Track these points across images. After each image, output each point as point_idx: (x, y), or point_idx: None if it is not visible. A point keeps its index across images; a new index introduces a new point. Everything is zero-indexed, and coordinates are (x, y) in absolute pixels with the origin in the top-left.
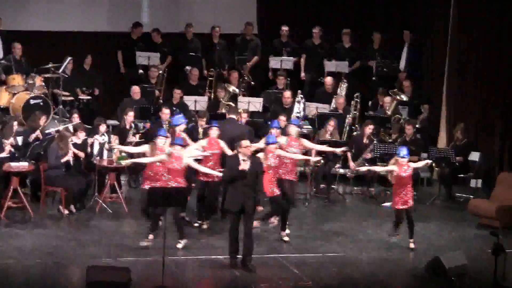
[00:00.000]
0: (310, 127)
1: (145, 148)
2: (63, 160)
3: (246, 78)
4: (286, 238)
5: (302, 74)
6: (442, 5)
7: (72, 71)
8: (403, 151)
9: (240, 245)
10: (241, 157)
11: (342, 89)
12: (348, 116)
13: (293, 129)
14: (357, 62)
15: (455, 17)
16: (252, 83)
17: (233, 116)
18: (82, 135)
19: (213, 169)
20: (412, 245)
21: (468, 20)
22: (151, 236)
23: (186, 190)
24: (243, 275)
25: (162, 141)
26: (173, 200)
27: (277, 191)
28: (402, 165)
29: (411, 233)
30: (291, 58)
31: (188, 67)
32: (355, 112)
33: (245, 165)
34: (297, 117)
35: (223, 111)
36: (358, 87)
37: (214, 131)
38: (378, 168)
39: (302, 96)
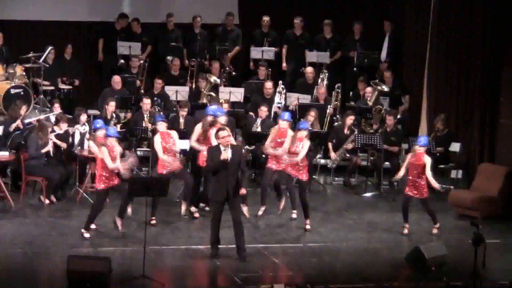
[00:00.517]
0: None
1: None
2: (43, 150)
3: (227, 68)
4: (308, 227)
5: (284, 64)
6: None
7: (53, 60)
8: (423, 140)
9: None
10: (221, 147)
11: (323, 80)
12: (329, 106)
13: (303, 133)
14: (338, 52)
15: (435, 7)
16: (234, 73)
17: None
18: (64, 126)
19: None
20: (435, 231)
21: (449, 9)
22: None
23: (166, 179)
24: (223, 265)
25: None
26: (154, 190)
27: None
28: (419, 153)
29: (434, 219)
30: (272, 48)
31: (169, 57)
32: (336, 102)
33: (225, 155)
34: (278, 107)
35: (204, 101)
36: (339, 77)
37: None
38: (402, 171)
39: (283, 86)
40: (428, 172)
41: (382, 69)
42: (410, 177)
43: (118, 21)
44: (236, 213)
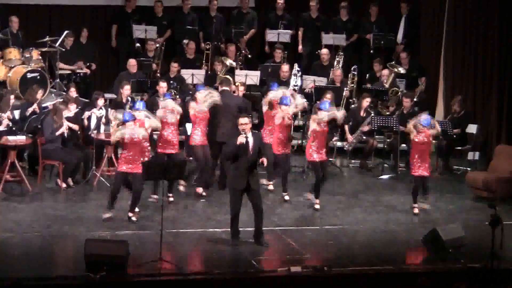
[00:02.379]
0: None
1: None
2: (58, 133)
3: (243, 51)
4: (317, 206)
5: (300, 47)
6: None
7: (69, 45)
8: (426, 119)
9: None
10: (241, 133)
11: (339, 62)
12: (345, 89)
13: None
14: (354, 35)
15: None
16: (249, 56)
17: (227, 88)
18: (73, 108)
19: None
20: (416, 211)
21: None
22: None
23: (183, 162)
24: (240, 248)
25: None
26: (171, 173)
27: (315, 158)
28: (422, 132)
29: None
30: (288, 31)
31: (185, 41)
32: (352, 85)
33: (241, 139)
34: (294, 90)
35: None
36: (355, 60)
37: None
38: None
39: (299, 69)
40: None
41: (398, 50)
42: (415, 156)
43: (127, 3)
44: (257, 201)
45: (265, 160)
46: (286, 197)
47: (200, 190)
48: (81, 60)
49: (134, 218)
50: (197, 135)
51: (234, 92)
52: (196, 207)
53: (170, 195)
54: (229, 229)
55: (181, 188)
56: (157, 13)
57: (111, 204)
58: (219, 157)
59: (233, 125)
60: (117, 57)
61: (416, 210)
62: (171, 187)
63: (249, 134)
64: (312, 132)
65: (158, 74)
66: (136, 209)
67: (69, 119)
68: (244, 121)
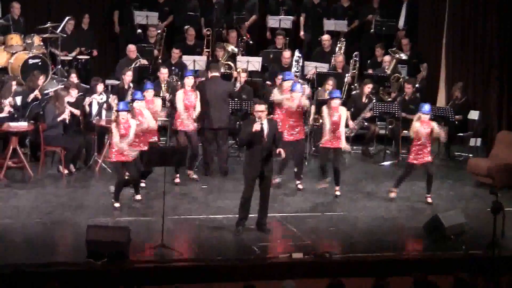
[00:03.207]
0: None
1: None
2: (59, 119)
3: (244, 37)
4: (338, 193)
5: (302, 33)
6: None
7: (71, 31)
8: (426, 107)
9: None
10: (257, 120)
11: (341, 48)
12: (347, 75)
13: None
14: (355, 21)
15: None
16: (251, 42)
17: (216, 74)
18: (74, 93)
19: None
20: (429, 200)
21: None
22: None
23: (183, 149)
24: (243, 235)
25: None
26: (171, 160)
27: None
28: (424, 121)
29: (429, 189)
30: (290, 17)
31: (186, 27)
32: (354, 71)
33: (257, 126)
34: (296, 75)
35: (222, 70)
36: (357, 46)
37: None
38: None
39: (300, 55)
40: (440, 132)
41: (400, 36)
42: (415, 144)
43: None
44: (266, 188)
45: (282, 152)
46: (300, 186)
47: (190, 173)
48: (82, 46)
49: (138, 197)
50: (184, 120)
51: (236, 78)
52: (197, 194)
53: (177, 175)
54: (229, 215)
55: (177, 180)
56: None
57: (117, 196)
58: (216, 142)
59: (224, 111)
60: (118, 44)
61: (392, 195)
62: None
63: (264, 121)
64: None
65: (160, 61)
66: (138, 197)
67: (70, 104)
68: (261, 108)
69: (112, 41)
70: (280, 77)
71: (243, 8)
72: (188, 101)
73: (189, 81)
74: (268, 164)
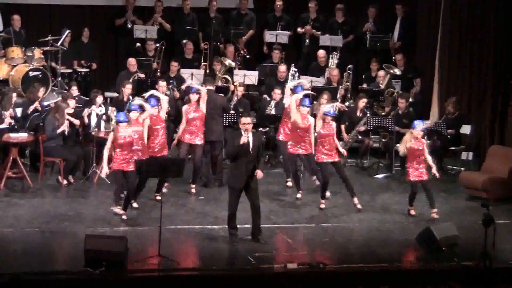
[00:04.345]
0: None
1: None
2: (59, 130)
3: (241, 51)
4: (323, 206)
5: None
6: None
7: (70, 43)
8: (419, 125)
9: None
10: (242, 132)
11: (333, 61)
12: (340, 87)
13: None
14: (350, 35)
15: None
16: (248, 56)
17: (211, 88)
18: (72, 103)
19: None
20: (435, 215)
21: None
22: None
23: (181, 161)
24: (238, 245)
25: (135, 115)
26: (170, 171)
27: (324, 159)
28: (417, 138)
29: (432, 203)
30: (287, 32)
31: (184, 41)
32: (347, 83)
33: (244, 139)
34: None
35: (219, 84)
36: (352, 61)
37: None
38: (401, 148)
39: (295, 70)
40: (427, 156)
41: (393, 48)
42: (411, 161)
43: (127, 3)
44: (255, 199)
45: (260, 173)
46: (298, 195)
47: (193, 187)
48: (82, 59)
49: (135, 205)
50: (187, 133)
51: (233, 92)
52: (194, 205)
53: (157, 194)
54: (225, 226)
55: (164, 190)
56: (158, 13)
57: (118, 200)
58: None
59: (219, 124)
60: (117, 57)
61: (413, 212)
62: (160, 187)
63: (250, 134)
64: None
65: (159, 74)
66: (135, 205)
67: (69, 114)
68: (247, 121)
69: (112, 54)
70: (276, 91)
71: (241, 23)
72: (192, 115)
73: (194, 97)
74: (253, 176)
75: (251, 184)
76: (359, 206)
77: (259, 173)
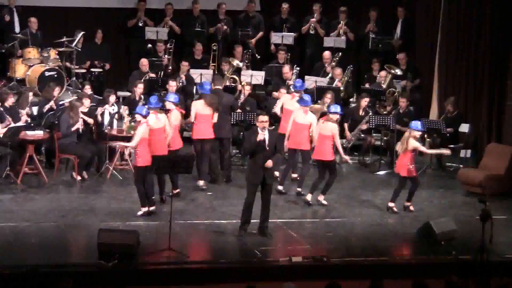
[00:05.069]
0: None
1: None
2: (73, 128)
3: (250, 51)
4: (324, 202)
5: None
6: None
7: (84, 45)
8: (418, 125)
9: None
10: (259, 130)
11: (336, 61)
12: (336, 80)
13: (334, 116)
14: (351, 35)
15: None
16: (258, 57)
17: (219, 87)
18: (87, 103)
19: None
20: (411, 208)
21: None
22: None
23: (190, 157)
24: (245, 239)
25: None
26: (179, 167)
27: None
28: (416, 137)
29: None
30: (292, 33)
31: (195, 42)
32: (345, 77)
33: (261, 136)
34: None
35: (227, 84)
36: (354, 61)
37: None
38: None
39: (298, 68)
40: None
41: (396, 46)
42: (405, 158)
43: (139, 5)
44: (268, 196)
45: (270, 162)
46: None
47: (200, 182)
48: (96, 60)
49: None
50: (199, 130)
51: (240, 91)
52: (202, 200)
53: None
54: (233, 221)
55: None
56: (168, 16)
57: (145, 201)
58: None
59: (227, 121)
60: (129, 57)
61: (394, 209)
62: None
63: (266, 132)
64: None
65: (170, 69)
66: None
67: (83, 113)
68: (264, 119)
69: (124, 54)
70: (282, 90)
71: (249, 24)
72: (203, 112)
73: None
74: (269, 172)
75: (267, 179)
76: (324, 201)
77: (268, 162)
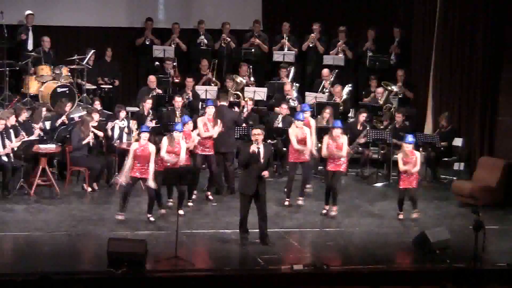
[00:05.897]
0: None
1: (164, 141)
2: (84, 142)
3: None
4: (333, 213)
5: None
6: (429, 2)
7: (94, 62)
8: (409, 138)
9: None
10: (253, 142)
11: (333, 77)
12: (328, 85)
13: (338, 131)
14: (350, 53)
15: (441, 16)
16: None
17: (224, 103)
18: (96, 117)
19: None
20: (415, 215)
21: (453, 18)
22: (163, 211)
23: (197, 170)
24: (248, 248)
25: (178, 136)
26: (186, 179)
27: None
28: (407, 150)
29: (414, 206)
30: (293, 52)
31: (201, 60)
32: (344, 95)
33: (254, 148)
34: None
35: (231, 99)
36: (352, 79)
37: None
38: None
39: (297, 85)
40: (418, 166)
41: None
42: (402, 171)
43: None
44: (263, 206)
45: (266, 173)
46: (300, 202)
47: (208, 193)
48: (106, 77)
49: (152, 219)
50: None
51: (243, 106)
52: (208, 210)
53: (189, 201)
54: (237, 230)
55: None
56: (175, 34)
57: (123, 207)
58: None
59: (231, 136)
60: (137, 74)
61: (401, 216)
62: (191, 194)
63: (261, 145)
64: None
65: (177, 80)
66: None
67: (93, 127)
68: (257, 132)
69: (133, 71)
70: (283, 106)
71: (253, 44)
72: (207, 127)
73: (210, 110)
74: (263, 184)
75: (260, 190)
76: (333, 213)
77: (265, 173)
